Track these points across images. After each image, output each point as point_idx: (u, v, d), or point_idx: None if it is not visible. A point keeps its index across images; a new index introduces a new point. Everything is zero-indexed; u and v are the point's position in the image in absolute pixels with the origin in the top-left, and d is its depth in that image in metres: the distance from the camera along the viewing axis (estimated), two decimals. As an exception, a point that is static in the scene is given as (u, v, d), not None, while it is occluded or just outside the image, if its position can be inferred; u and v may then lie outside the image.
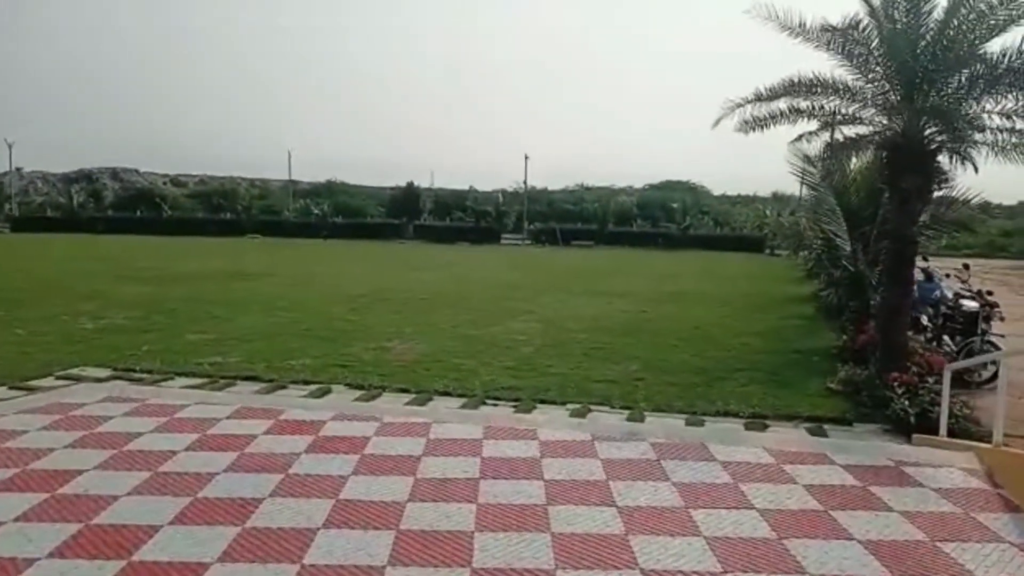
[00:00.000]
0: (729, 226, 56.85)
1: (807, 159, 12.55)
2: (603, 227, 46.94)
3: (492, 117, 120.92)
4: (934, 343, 10.64)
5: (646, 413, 7.50)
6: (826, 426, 7.22)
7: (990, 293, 10.76)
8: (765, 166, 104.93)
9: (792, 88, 8.75)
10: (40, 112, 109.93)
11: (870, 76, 8.65)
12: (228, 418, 5.80)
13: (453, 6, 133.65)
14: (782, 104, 9.05)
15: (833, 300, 12.73)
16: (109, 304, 14.36)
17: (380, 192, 68.52)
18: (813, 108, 9.03)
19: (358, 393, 7.96)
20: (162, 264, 24.16)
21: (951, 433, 6.23)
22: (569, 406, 7.74)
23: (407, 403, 7.61)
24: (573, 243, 44.95)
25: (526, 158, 50.94)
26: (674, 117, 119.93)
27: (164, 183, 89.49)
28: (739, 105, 9.08)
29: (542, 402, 7.88)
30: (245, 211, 52.21)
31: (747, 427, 7.06)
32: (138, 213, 52.69)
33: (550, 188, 78.06)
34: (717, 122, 9.30)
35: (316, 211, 51.48)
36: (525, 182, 53.43)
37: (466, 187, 70.37)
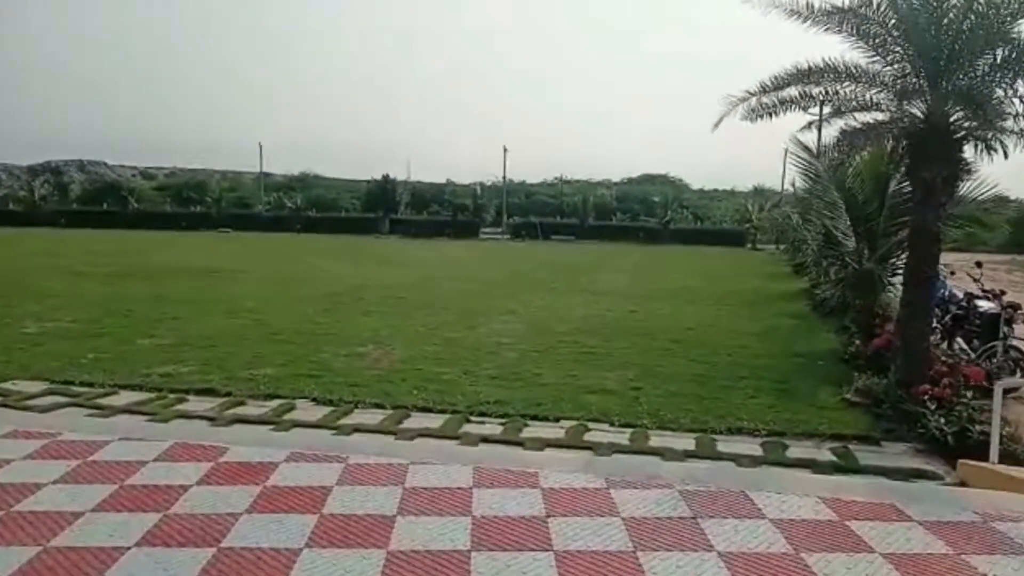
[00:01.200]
0: (710, 220, 56.56)
1: (808, 151, 11.85)
2: (583, 221, 46.21)
3: (469, 109, 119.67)
4: (945, 346, 9.99)
5: (651, 431, 6.71)
6: (851, 445, 6.48)
7: (1003, 293, 10.10)
8: (745, 160, 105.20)
9: (803, 76, 7.98)
10: (4, 103, 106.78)
11: (888, 58, 7.90)
12: (157, 460, 4.52)
13: (425, 4, 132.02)
14: (793, 91, 8.27)
15: (834, 298, 12.03)
16: (60, 304, 13.29)
17: (356, 185, 67.25)
18: (826, 94, 8.25)
19: (326, 411, 7.07)
20: (124, 260, 22.97)
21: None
22: (564, 423, 6.92)
23: (381, 421, 6.74)
24: (553, 237, 44.18)
25: (505, 150, 50.13)
26: (652, 111, 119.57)
27: (133, 175, 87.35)
28: (744, 99, 8.31)
29: (534, 418, 7.04)
30: (215, 204, 50.72)
31: (766, 449, 6.29)
32: (104, 206, 51.05)
33: (528, 181, 77.30)
34: (719, 121, 8.54)
35: (289, 204, 50.18)
36: (504, 175, 52.58)
37: (443, 180, 69.43)
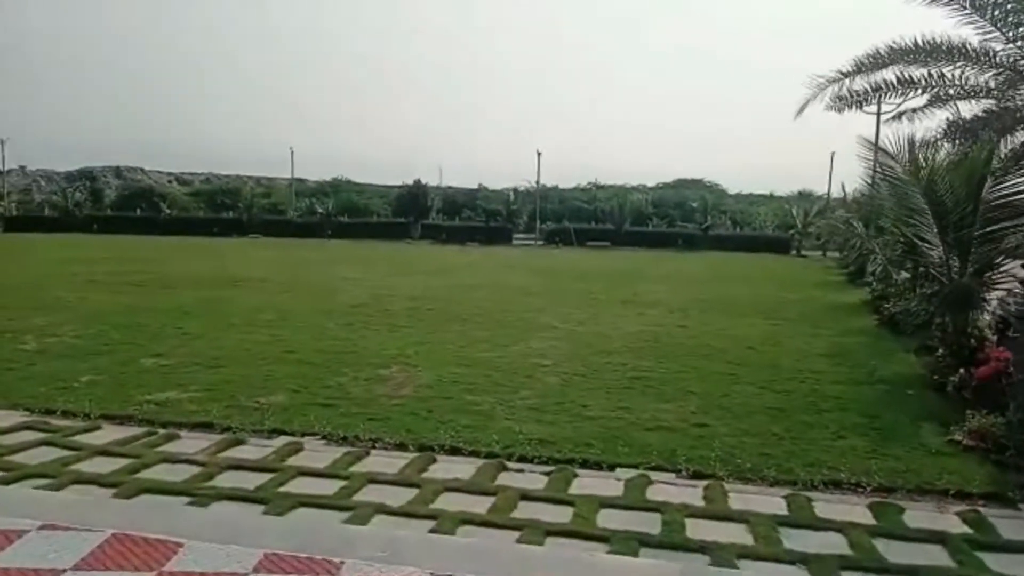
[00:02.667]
0: (749, 226, 54.69)
1: (883, 150, 10.46)
2: (620, 227, 44.74)
3: (501, 114, 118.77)
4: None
5: (728, 484, 5.50)
6: (981, 507, 5.20)
7: None
8: (784, 164, 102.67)
9: (905, 54, 6.73)
10: (46, 110, 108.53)
11: (1010, 34, 6.62)
12: (75, 569, 2.78)
13: (456, 4, 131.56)
14: (889, 73, 7.01)
15: (920, 315, 10.62)
16: (68, 317, 12.45)
17: (388, 190, 66.63)
18: (929, 77, 6.97)
19: (337, 454, 5.97)
20: (147, 268, 22.28)
21: None
22: (621, 472, 5.75)
23: (402, 470, 5.63)
24: (588, 244, 42.84)
25: (538, 154, 48.84)
26: (687, 114, 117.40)
27: (169, 181, 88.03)
28: (834, 80, 7.09)
29: (584, 464, 5.89)
30: (247, 210, 50.29)
31: (877, 513, 5.04)
32: (137, 212, 50.98)
33: (561, 186, 76.06)
34: (802, 108, 7.33)
35: (320, 210, 49.54)
36: (538, 180, 51.30)
37: (475, 185, 68.46)
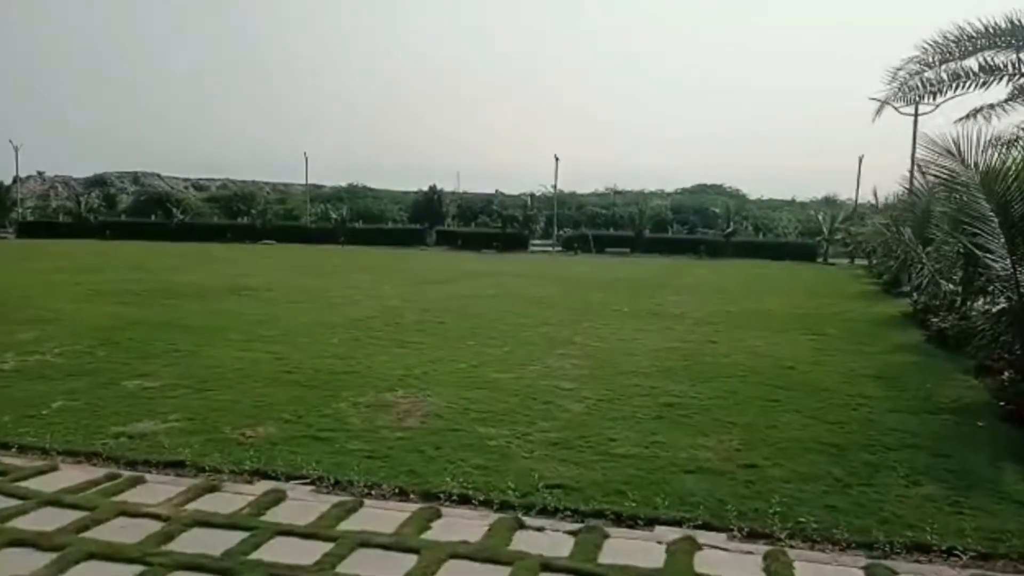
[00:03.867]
0: (772, 232, 53.45)
1: (949, 153, 9.35)
2: (639, 233, 43.71)
3: (518, 118, 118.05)
4: None
5: (791, 551, 4.55)
6: (1110, 586, 4.23)
7: None
8: (805, 169, 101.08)
9: (997, 36, 5.75)
10: (65, 116, 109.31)
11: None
12: None
13: (472, 7, 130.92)
14: (971, 62, 6.04)
15: (985, 336, 9.54)
16: (57, 331, 11.70)
17: (403, 196, 66.06)
18: (1020, 63, 6.00)
19: (326, 505, 5.08)
20: (152, 276, 21.60)
21: None
22: (660, 530, 4.83)
23: (399, 528, 4.73)
24: (607, 250, 41.85)
25: (556, 159, 47.95)
26: (706, 118, 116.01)
27: (186, 187, 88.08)
28: (913, 69, 6.11)
29: (616, 520, 4.96)
30: (262, 215, 49.81)
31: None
32: (152, 218, 50.69)
33: (578, 191, 75.19)
34: (881, 108, 6.37)
35: (335, 216, 48.96)
36: (555, 185, 50.44)
37: (491, 190, 67.71)
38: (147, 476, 5.55)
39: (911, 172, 20.68)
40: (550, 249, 44.50)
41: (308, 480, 5.57)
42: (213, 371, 9.13)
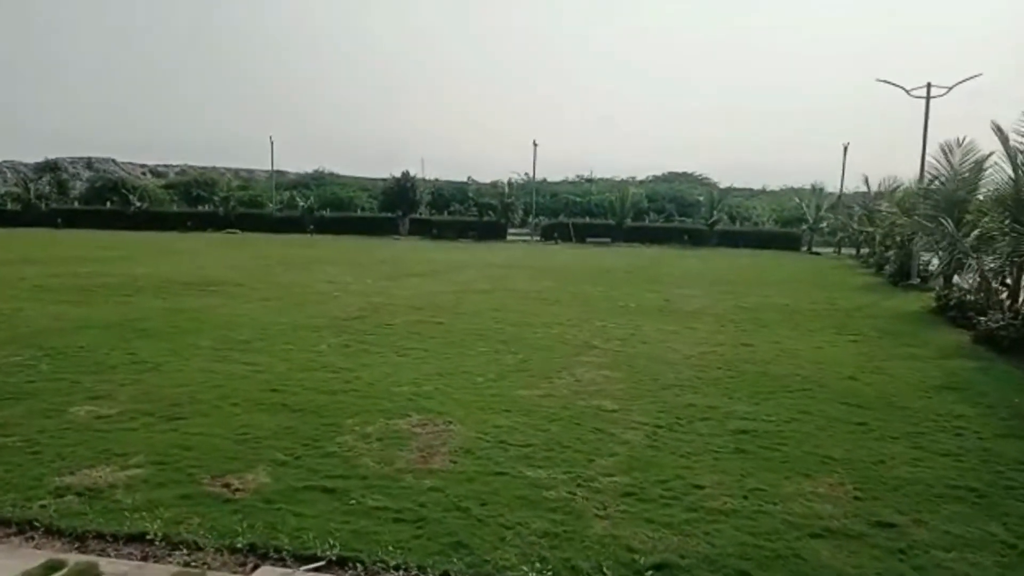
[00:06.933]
0: (749, 221, 52.77)
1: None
2: (620, 222, 42.50)
3: (486, 106, 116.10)
4: None
5: None
6: None
7: None
8: (776, 158, 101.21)
9: None
10: (14, 99, 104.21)
11: None
12: None
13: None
14: None
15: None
16: (-6, 337, 9.98)
17: (372, 183, 64.01)
18: None
19: (357, 614, 3.63)
20: (107, 269, 19.68)
21: None
22: (829, 644, 3.47)
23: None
24: (588, 240, 40.60)
25: (535, 145, 46.48)
26: (671, 106, 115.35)
27: (143, 174, 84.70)
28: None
29: (759, 626, 3.60)
30: (224, 203, 47.46)
31: None
32: (108, 205, 47.99)
33: (549, 179, 73.91)
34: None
35: (302, 204, 46.87)
36: (534, 173, 49.00)
37: (460, 178, 65.96)
38: (101, 563, 4.03)
39: (923, 157, 19.69)
40: (528, 238, 43.12)
41: (321, 564, 4.11)
42: (182, 391, 7.56)
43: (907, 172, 34.13)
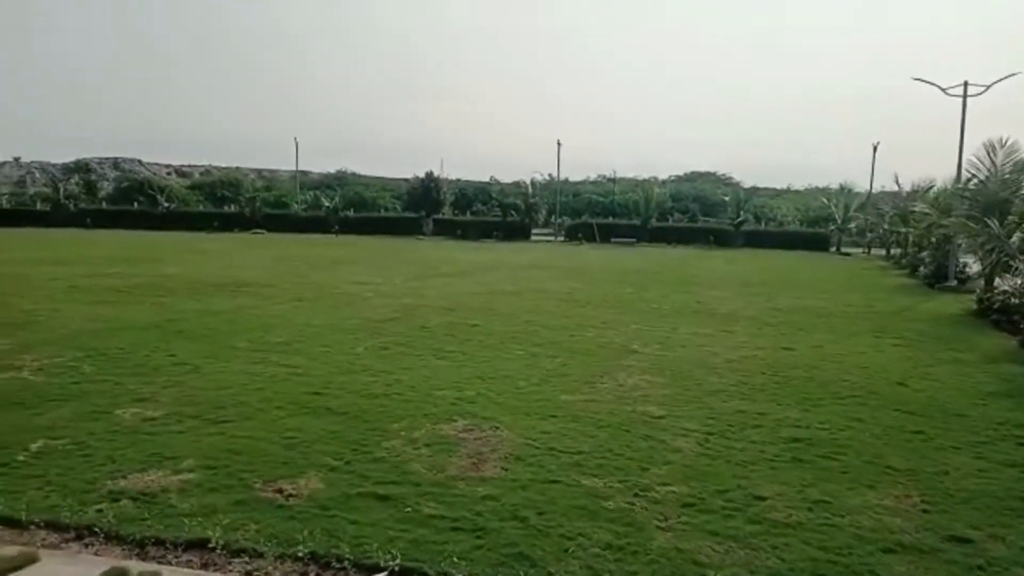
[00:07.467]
0: (774, 221, 52.25)
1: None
2: (645, 222, 42.22)
3: (505, 106, 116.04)
4: None
5: None
6: None
7: None
8: (799, 157, 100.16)
9: None
10: (43, 101, 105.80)
11: None
12: None
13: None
14: None
15: None
16: (32, 337, 10.05)
17: (394, 183, 64.25)
18: None
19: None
20: (138, 269, 19.84)
21: None
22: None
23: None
24: (612, 240, 40.36)
25: (559, 144, 46.34)
26: (692, 107, 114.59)
27: (168, 174, 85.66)
28: None
29: (843, 646, 3.47)
30: (249, 203, 47.79)
31: None
32: (135, 206, 48.51)
33: (571, 179, 73.82)
34: None
35: (327, 204, 47.06)
36: (558, 173, 48.83)
37: (476, 178, 66.04)
38: (164, 571, 3.98)
39: (960, 156, 19.31)
40: (552, 238, 42.98)
41: (387, 573, 4.03)
42: (225, 394, 7.54)
43: (939, 172, 33.60)
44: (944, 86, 21.24)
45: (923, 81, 21.77)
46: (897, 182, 30.90)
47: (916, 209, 22.96)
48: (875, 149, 39.97)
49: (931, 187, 26.68)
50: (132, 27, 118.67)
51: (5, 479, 5.17)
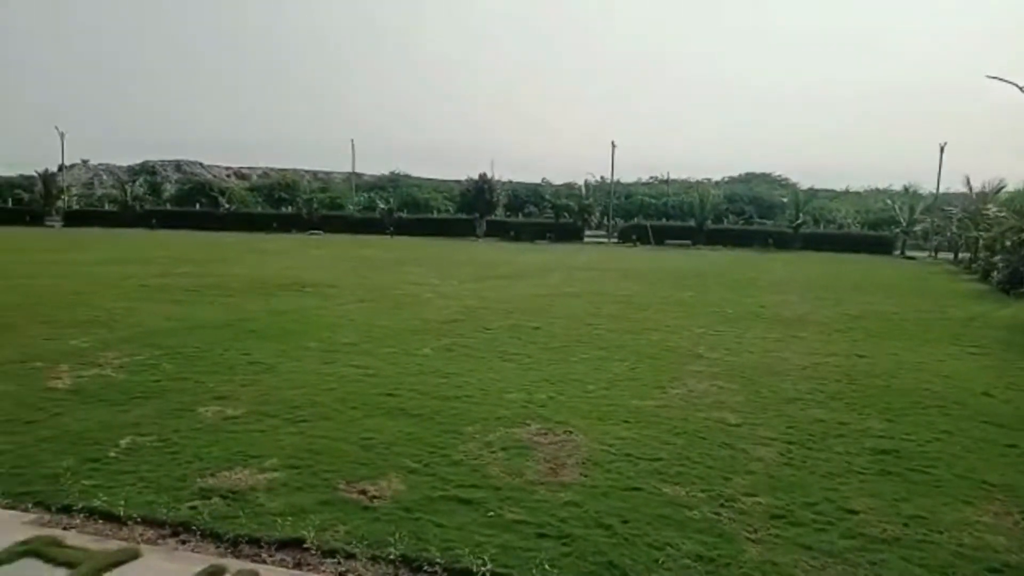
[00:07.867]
0: (834, 223, 50.96)
1: None
2: (701, 224, 41.65)
3: (549, 107, 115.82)
4: None
5: None
6: None
7: None
8: (856, 157, 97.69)
9: None
10: (110, 104, 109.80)
11: None
12: None
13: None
14: None
15: None
16: (112, 337, 10.38)
17: (445, 184, 64.70)
18: None
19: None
20: (206, 269, 20.39)
21: None
22: None
23: None
24: (667, 242, 39.92)
25: (613, 146, 46.06)
26: (747, 106, 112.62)
27: (228, 176, 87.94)
28: None
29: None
30: (306, 205, 48.74)
31: None
32: (197, 207, 49.93)
33: (622, 180, 73.16)
34: None
35: (382, 205, 47.67)
36: (612, 173, 48.57)
37: (525, 179, 65.96)
38: (260, 570, 4.04)
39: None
40: (605, 240, 42.72)
41: (477, 577, 4.02)
42: (300, 393, 7.66)
43: (1009, 174, 32.28)
44: (1022, 85, 20.44)
45: (997, 79, 21.01)
46: (967, 183, 29.84)
47: (989, 212, 22.08)
48: (942, 149, 38.71)
49: (1000, 188, 25.66)
50: (195, 36, 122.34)
51: (101, 474, 5.34)
